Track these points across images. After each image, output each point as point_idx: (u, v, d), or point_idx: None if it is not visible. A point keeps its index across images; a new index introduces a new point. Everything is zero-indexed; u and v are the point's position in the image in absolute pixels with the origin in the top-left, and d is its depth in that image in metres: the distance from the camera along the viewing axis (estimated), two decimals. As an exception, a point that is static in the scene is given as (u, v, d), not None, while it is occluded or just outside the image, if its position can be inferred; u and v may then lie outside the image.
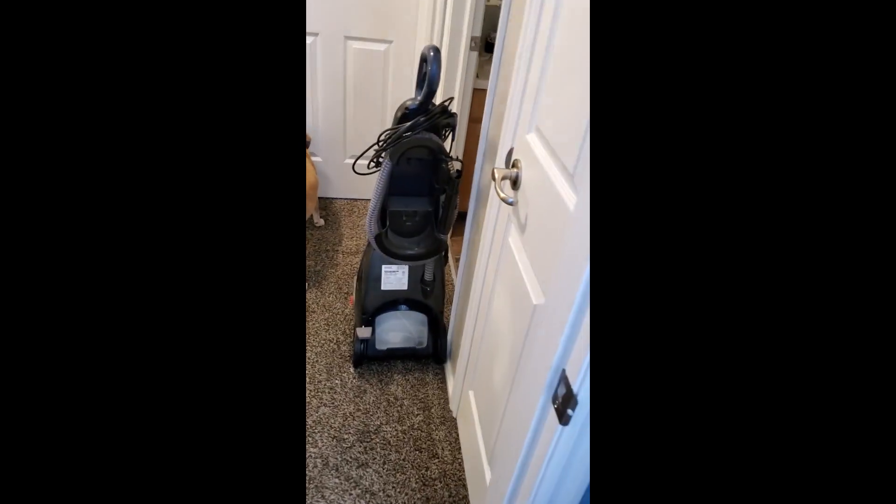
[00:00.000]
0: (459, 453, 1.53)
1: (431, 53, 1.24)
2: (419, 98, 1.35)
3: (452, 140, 1.48)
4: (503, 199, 0.98)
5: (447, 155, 1.42)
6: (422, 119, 1.35)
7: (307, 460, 1.46)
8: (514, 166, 1.04)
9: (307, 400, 1.63)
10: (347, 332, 1.89)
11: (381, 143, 1.41)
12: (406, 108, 1.38)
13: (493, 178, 1.04)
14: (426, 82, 1.28)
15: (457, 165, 1.41)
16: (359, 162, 1.75)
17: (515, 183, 1.02)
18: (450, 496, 1.42)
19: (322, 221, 2.41)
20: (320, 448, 1.49)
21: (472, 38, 1.88)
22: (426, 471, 1.48)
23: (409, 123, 1.35)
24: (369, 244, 1.63)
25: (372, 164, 1.48)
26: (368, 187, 2.59)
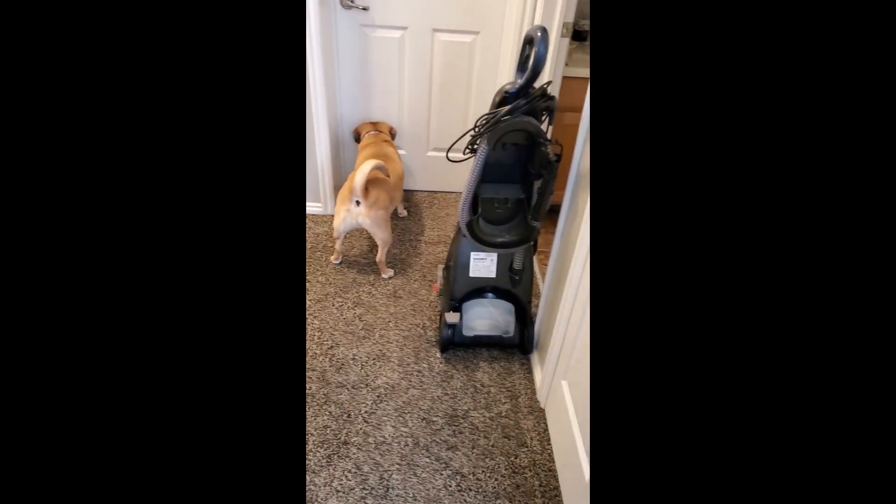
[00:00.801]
0: (549, 444, 1.51)
1: (539, 34, 1.23)
2: (520, 81, 1.34)
3: (550, 124, 1.46)
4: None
5: (546, 138, 1.40)
6: (521, 102, 1.34)
7: (399, 439, 1.49)
8: (627, 145, 1.00)
9: (397, 381, 1.66)
10: (433, 318, 1.91)
11: (478, 128, 1.42)
12: (505, 92, 1.38)
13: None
14: (531, 64, 1.27)
15: (556, 149, 1.39)
16: (440, 153, 1.77)
17: (630, 161, 0.99)
18: (540, 485, 1.40)
19: (405, 212, 2.47)
20: (410, 428, 1.52)
21: (564, 25, 1.85)
22: (515, 458, 1.46)
23: (508, 107, 1.35)
24: (458, 231, 1.65)
25: (467, 150, 1.49)
26: (448, 179, 2.62)
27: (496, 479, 1.41)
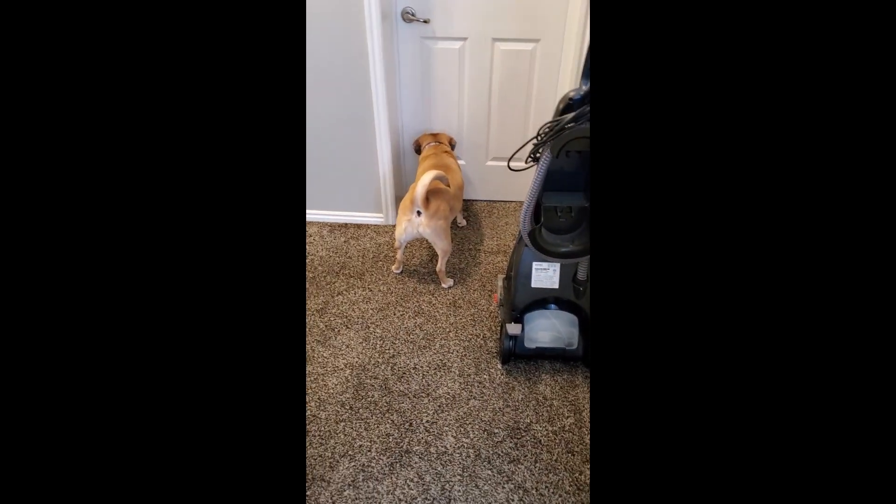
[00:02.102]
0: (616, 462, 1.44)
1: (605, 38, 1.19)
2: (585, 88, 1.31)
3: (616, 131, 1.41)
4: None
5: (612, 146, 1.36)
6: (587, 109, 1.30)
7: (460, 450, 1.48)
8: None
9: (457, 392, 1.66)
10: (493, 328, 1.90)
11: (541, 136, 1.40)
12: (569, 99, 1.35)
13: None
14: (597, 69, 1.23)
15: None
16: (500, 161, 1.76)
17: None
18: (607, 506, 1.34)
19: (465, 222, 2.47)
20: (472, 439, 1.51)
21: (630, 28, 1.79)
22: (580, 475, 1.41)
23: (572, 114, 1.32)
24: (519, 241, 1.63)
25: (530, 158, 1.47)
26: (508, 189, 2.60)
27: (560, 496, 1.37)
